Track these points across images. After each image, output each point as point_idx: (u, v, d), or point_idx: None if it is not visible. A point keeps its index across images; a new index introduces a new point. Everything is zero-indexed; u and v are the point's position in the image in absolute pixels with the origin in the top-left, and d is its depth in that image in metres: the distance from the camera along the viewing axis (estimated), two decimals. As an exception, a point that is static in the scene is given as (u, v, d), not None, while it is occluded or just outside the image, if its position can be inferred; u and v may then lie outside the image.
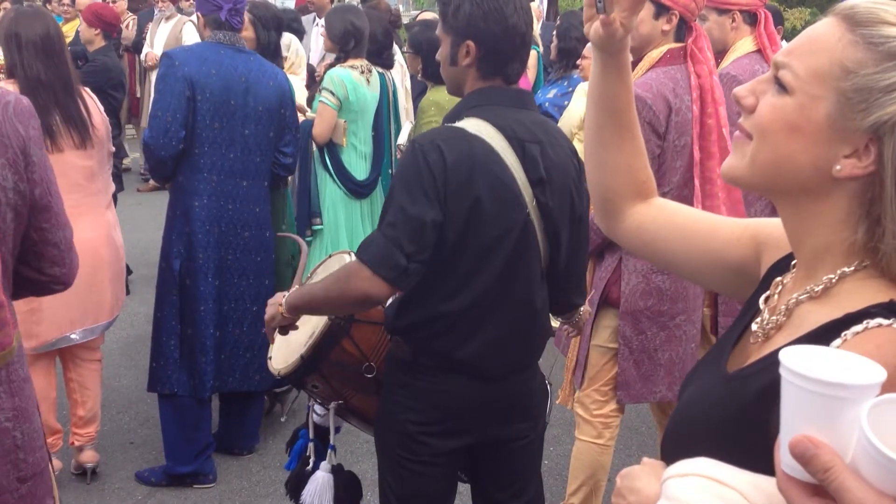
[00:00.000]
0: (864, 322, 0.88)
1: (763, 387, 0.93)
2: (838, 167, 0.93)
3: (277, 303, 2.18)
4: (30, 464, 1.75)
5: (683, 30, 2.86)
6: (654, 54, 2.88)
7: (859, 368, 0.71)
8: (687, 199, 2.81)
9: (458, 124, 2.07)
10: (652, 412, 3.56)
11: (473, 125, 2.05)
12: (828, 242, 0.97)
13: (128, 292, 4.72)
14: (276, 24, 4.30)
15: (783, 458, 0.71)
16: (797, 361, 0.70)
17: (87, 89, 3.46)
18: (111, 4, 7.87)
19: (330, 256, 2.64)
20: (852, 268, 0.95)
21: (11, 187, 1.66)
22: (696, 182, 2.81)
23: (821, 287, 0.97)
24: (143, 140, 3.48)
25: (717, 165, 2.82)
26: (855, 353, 0.77)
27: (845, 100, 0.92)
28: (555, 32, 6.78)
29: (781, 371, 0.71)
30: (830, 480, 0.67)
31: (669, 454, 1.03)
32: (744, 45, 3.42)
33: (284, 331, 2.23)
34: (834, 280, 0.96)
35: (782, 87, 0.96)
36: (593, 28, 1.22)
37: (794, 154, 0.96)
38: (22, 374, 1.71)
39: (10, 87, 3.24)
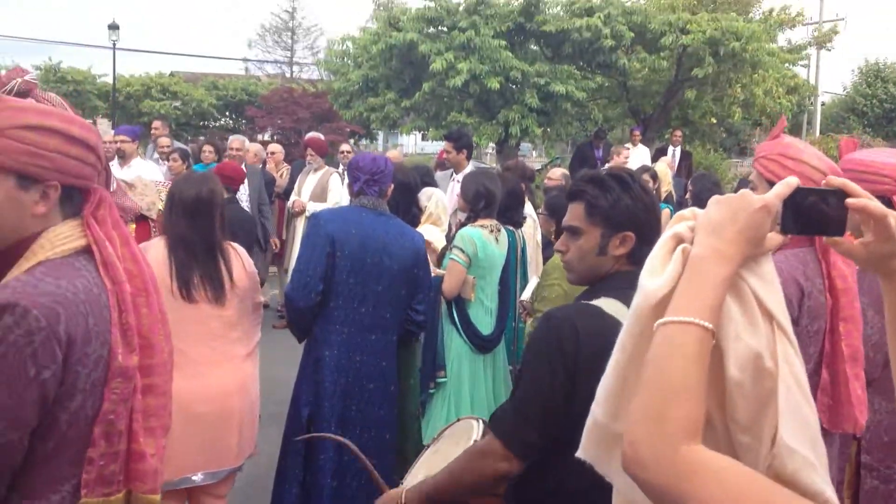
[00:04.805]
0: None
1: None
2: None
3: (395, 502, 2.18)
4: None
5: None
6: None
7: None
8: (816, 388, 2.69)
9: (595, 303, 2.10)
10: None
11: (610, 305, 2.07)
12: None
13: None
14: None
15: None
16: None
17: (236, 245, 3.65)
18: (269, 156, 8.52)
19: (458, 420, 2.67)
20: None
21: None
22: (825, 373, 2.72)
23: None
24: (285, 292, 3.73)
25: (848, 365, 2.69)
26: None
27: None
28: (688, 196, 6.84)
29: None
30: None
31: None
32: None
33: None
34: None
35: None
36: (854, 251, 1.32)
37: None
38: None
39: (156, 239, 3.55)
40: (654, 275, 1.31)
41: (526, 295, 4.92)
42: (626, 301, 2.08)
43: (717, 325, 1.23)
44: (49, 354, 1.56)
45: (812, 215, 1.28)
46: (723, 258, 1.25)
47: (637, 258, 2.14)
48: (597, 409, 1.42)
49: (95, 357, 1.65)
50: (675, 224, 1.36)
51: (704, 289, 1.23)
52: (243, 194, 8.10)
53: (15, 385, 1.54)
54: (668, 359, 1.20)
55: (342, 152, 9.74)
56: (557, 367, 1.99)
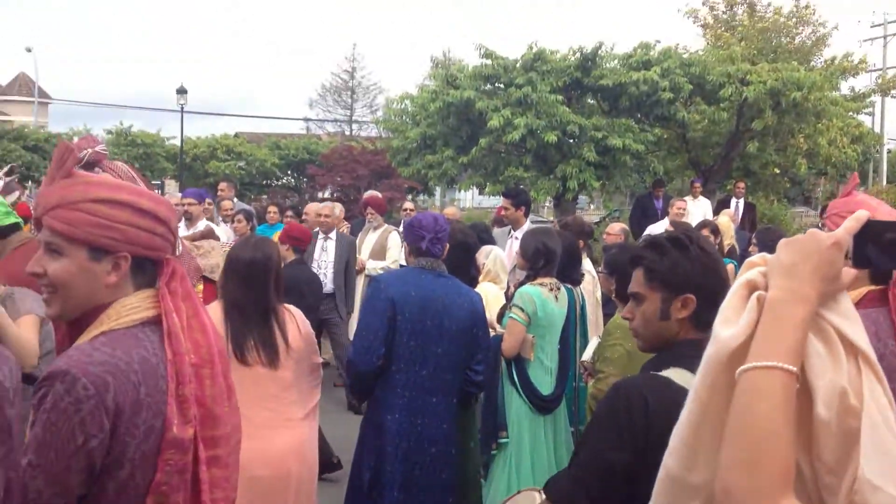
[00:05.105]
0: None
1: None
2: None
3: None
4: None
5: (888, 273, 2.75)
6: (853, 295, 2.77)
7: None
8: None
9: (664, 374, 2.07)
10: None
11: (679, 376, 2.04)
12: None
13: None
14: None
15: None
16: None
17: (291, 308, 3.67)
18: (324, 218, 8.56)
19: (518, 493, 2.65)
20: None
21: None
22: None
23: None
24: (347, 357, 3.74)
25: None
26: None
27: None
28: (751, 250, 6.70)
29: None
30: None
31: None
32: None
33: None
34: None
35: None
36: None
37: None
38: None
39: (214, 303, 3.58)
40: (729, 324, 1.30)
41: (587, 355, 4.84)
42: (696, 371, 2.05)
43: (800, 368, 1.22)
44: (97, 423, 1.59)
45: (886, 249, 1.27)
46: (800, 299, 1.25)
47: (701, 321, 2.12)
48: (669, 461, 1.41)
49: (146, 428, 1.66)
50: (745, 271, 1.35)
51: (785, 331, 1.23)
52: (326, 260, 7.95)
53: (63, 452, 1.58)
54: (755, 405, 1.19)
55: (405, 210, 9.82)
56: (624, 439, 1.96)
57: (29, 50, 39.41)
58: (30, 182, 25.62)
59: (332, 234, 8.10)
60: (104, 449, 1.61)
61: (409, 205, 10.30)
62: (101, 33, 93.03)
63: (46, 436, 1.58)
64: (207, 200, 8.34)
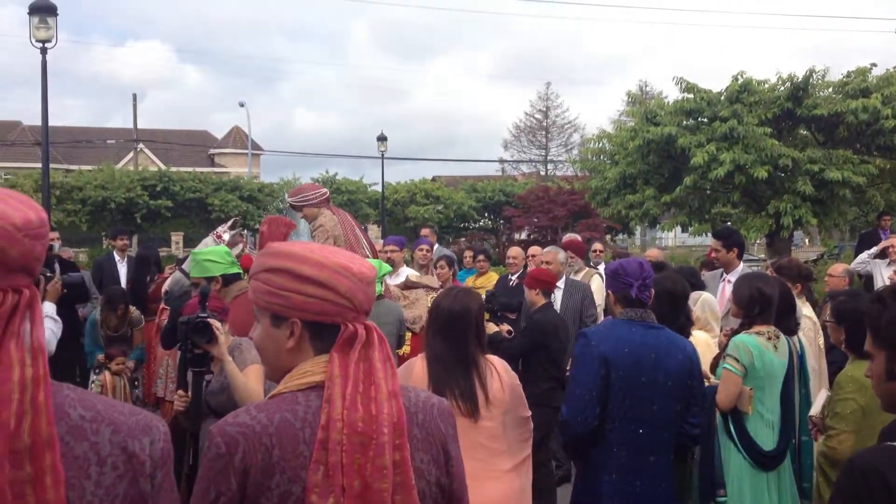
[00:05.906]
0: None
1: None
2: None
3: None
4: None
5: None
6: None
7: None
8: None
9: None
10: None
11: None
12: None
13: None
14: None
15: None
16: None
17: (494, 359, 3.60)
18: (530, 258, 8.51)
19: None
20: None
21: (434, 482, 1.84)
22: None
23: None
24: (561, 417, 3.64)
25: None
26: None
27: None
28: None
29: None
30: None
31: None
32: None
33: None
34: None
35: None
36: None
37: None
38: None
39: (420, 356, 3.60)
40: None
41: (815, 409, 4.49)
42: None
43: None
44: (225, 480, 1.66)
45: None
46: None
47: None
48: None
49: (281, 492, 1.66)
50: None
51: None
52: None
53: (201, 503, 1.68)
54: None
55: (594, 251, 9.65)
56: None
57: (242, 104, 41.76)
58: (245, 231, 27.66)
59: (561, 283, 7.27)
60: None
61: (598, 245, 10.07)
62: (305, 84, 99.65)
63: (196, 488, 1.70)
64: (422, 246, 8.32)
